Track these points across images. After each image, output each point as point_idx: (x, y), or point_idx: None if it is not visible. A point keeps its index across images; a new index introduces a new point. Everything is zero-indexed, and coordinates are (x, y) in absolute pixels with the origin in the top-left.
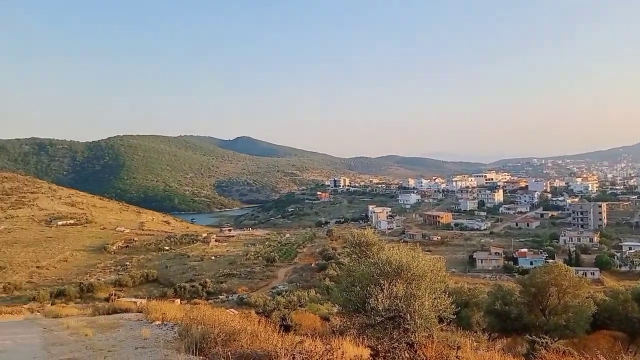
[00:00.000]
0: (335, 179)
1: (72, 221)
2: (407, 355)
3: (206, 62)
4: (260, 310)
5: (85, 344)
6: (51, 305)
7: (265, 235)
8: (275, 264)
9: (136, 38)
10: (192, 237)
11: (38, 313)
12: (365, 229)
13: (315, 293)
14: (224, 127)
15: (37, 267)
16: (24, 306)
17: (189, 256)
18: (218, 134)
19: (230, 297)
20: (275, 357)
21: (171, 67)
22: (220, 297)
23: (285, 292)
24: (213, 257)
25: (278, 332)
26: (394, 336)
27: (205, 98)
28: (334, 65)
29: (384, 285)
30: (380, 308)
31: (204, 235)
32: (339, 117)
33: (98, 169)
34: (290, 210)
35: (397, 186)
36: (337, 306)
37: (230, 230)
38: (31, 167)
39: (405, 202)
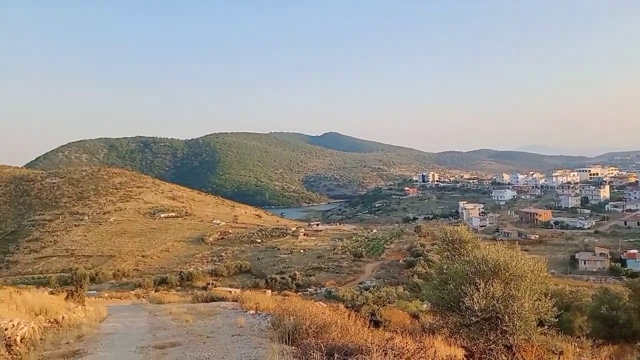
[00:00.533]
0: (424, 174)
1: (173, 214)
2: (504, 358)
3: (295, 61)
4: (349, 305)
5: (186, 329)
6: (155, 291)
7: (353, 230)
8: (362, 259)
9: (225, 40)
10: (282, 230)
11: (143, 299)
12: (459, 226)
13: (404, 290)
14: (312, 124)
15: (143, 256)
16: (131, 292)
17: (279, 249)
18: (306, 130)
19: (318, 290)
20: (366, 352)
21: (262, 67)
22: (308, 289)
23: (373, 287)
24: (302, 251)
25: (368, 327)
26: (491, 338)
27: (294, 96)
28: (422, 58)
29: (479, 284)
30: (476, 308)
31: (293, 229)
32: (428, 110)
33: (196, 165)
34: (377, 205)
35: (490, 181)
36: (427, 304)
37: (318, 224)
38: (137, 163)
39: (499, 198)
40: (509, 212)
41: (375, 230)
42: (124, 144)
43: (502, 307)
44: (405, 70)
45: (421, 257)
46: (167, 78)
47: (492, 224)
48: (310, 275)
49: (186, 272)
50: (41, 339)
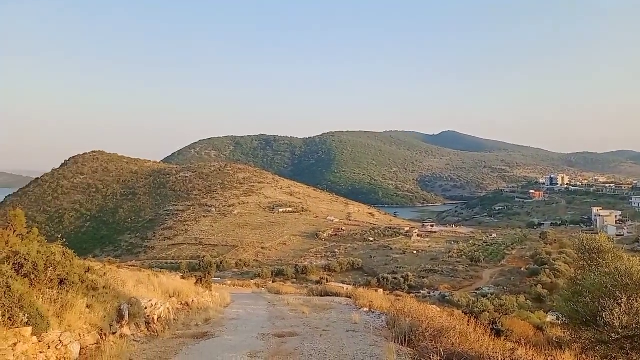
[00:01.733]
0: (552, 176)
1: (290, 209)
2: None
3: (410, 56)
4: (468, 311)
5: (303, 320)
6: (272, 282)
7: (470, 233)
8: (480, 264)
9: (342, 40)
10: (394, 230)
11: (262, 288)
12: (597, 234)
13: (525, 299)
14: (429, 122)
15: (262, 247)
16: (251, 281)
17: (391, 248)
18: (422, 129)
19: (431, 293)
20: None
21: (377, 65)
22: (421, 291)
23: (491, 294)
24: (415, 252)
25: (489, 336)
26: (633, 358)
27: (410, 94)
28: (553, 50)
29: (621, 299)
30: (617, 324)
31: (406, 229)
32: (555, 108)
33: (313, 162)
34: (497, 208)
35: (631, 186)
36: (553, 316)
37: (432, 225)
38: (259, 160)
39: None
40: None
41: (494, 235)
42: (248, 141)
43: None
44: (531, 66)
45: (546, 266)
46: (286, 78)
47: (630, 233)
48: (423, 277)
49: (301, 266)
50: (174, 319)
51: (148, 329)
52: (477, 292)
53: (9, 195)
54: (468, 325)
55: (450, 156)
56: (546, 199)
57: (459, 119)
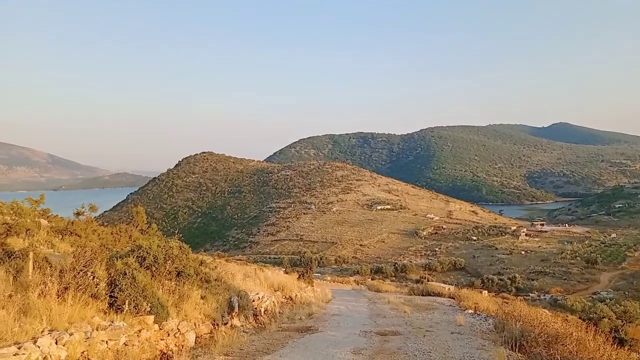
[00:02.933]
0: None
1: (388, 206)
2: None
3: (515, 45)
4: (585, 317)
5: (404, 319)
6: (371, 279)
7: (585, 233)
8: (596, 267)
9: (441, 34)
10: (500, 229)
11: (362, 285)
12: None
13: None
14: (537, 114)
15: (360, 245)
16: (350, 277)
17: (496, 248)
18: (530, 121)
19: (541, 297)
20: None
21: (476, 57)
22: (530, 294)
23: (610, 300)
24: (523, 252)
25: (610, 345)
26: None
27: (516, 85)
28: None
29: None
30: None
31: (513, 228)
32: None
33: (411, 159)
34: (617, 206)
35: None
36: None
37: (542, 224)
38: (357, 157)
39: None
40: None
41: (614, 235)
42: (345, 139)
43: None
44: None
45: None
46: (383, 76)
47: None
48: (532, 280)
49: (400, 264)
50: (279, 313)
51: (255, 321)
52: (594, 296)
53: (131, 194)
54: (586, 332)
55: (562, 150)
56: None
57: (572, 110)
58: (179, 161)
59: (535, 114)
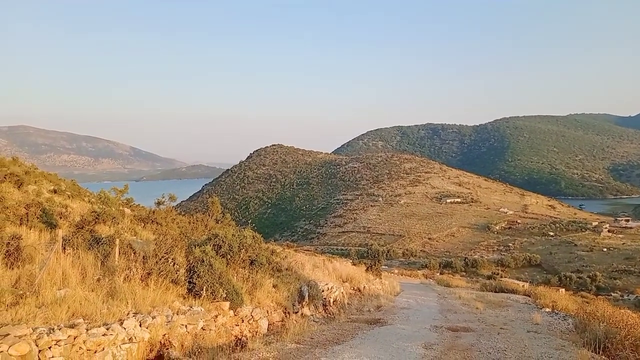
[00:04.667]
0: None
1: (459, 199)
2: None
3: (592, 29)
4: None
5: (476, 316)
6: (439, 274)
7: None
8: None
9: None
10: (580, 224)
11: (431, 280)
12: None
13: None
14: (623, 102)
15: (429, 238)
16: (418, 271)
17: (575, 244)
18: (615, 111)
19: (625, 297)
20: None
21: (554, 42)
22: (612, 294)
23: None
24: (605, 249)
25: None
26: None
27: (601, 72)
28: None
29: None
30: None
31: (595, 223)
32: None
33: (483, 150)
34: None
35: None
36: None
37: (627, 220)
38: (426, 149)
39: None
40: None
41: None
42: (414, 131)
43: None
44: None
45: None
46: (452, 65)
47: None
48: (614, 279)
49: (471, 259)
50: (348, 304)
51: (325, 311)
52: None
53: (206, 185)
54: None
55: None
56: None
57: None
58: (250, 153)
59: (621, 103)
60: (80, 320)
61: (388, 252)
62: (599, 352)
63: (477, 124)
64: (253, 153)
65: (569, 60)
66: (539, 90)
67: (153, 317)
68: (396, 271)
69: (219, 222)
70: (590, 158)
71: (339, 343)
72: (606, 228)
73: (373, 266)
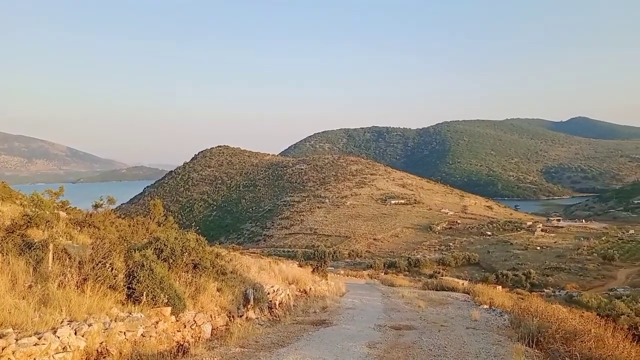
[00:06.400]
0: None
1: (402, 201)
2: None
3: (531, 39)
4: (603, 314)
5: (419, 314)
6: (384, 274)
7: (602, 229)
8: (613, 263)
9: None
10: (515, 224)
11: (375, 280)
12: None
13: None
14: (555, 108)
15: (374, 239)
16: (364, 272)
17: (511, 243)
18: (548, 116)
19: (557, 293)
20: None
21: (492, 52)
22: (545, 290)
23: (627, 297)
24: (538, 248)
25: (630, 342)
26: None
27: (535, 79)
28: None
29: None
30: None
31: (529, 223)
32: None
33: (426, 153)
34: (636, 202)
35: None
36: None
37: (558, 220)
38: (371, 152)
39: None
40: None
41: (632, 231)
42: (360, 133)
43: None
44: None
45: None
46: (398, 70)
47: None
48: (547, 275)
49: (414, 258)
50: (294, 305)
51: (270, 314)
52: (610, 293)
53: (148, 187)
54: (605, 329)
55: (581, 144)
56: None
57: (591, 104)
58: (195, 155)
59: (553, 108)
60: (9, 329)
61: (334, 253)
62: (532, 346)
63: (420, 128)
64: (198, 154)
65: (506, 68)
66: (479, 95)
67: (89, 325)
68: (342, 272)
69: (161, 225)
70: (525, 161)
71: (284, 345)
72: (539, 227)
73: (319, 267)
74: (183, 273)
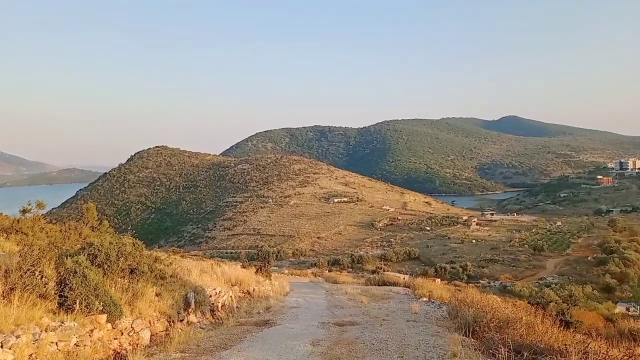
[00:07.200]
0: (622, 160)
1: (345, 199)
2: None
3: (467, 42)
4: (534, 302)
5: (362, 310)
6: (328, 271)
7: (532, 221)
8: (543, 254)
9: (394, 31)
10: (452, 219)
11: (319, 277)
12: None
13: (592, 290)
14: (488, 107)
15: (318, 237)
16: (308, 270)
17: (449, 238)
18: (481, 115)
19: (492, 283)
20: (561, 353)
21: (430, 53)
22: (481, 281)
23: (555, 285)
24: (474, 241)
25: (557, 327)
26: None
27: (468, 78)
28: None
29: None
30: None
31: (465, 218)
32: (625, 88)
33: (367, 152)
34: (562, 195)
35: None
36: (622, 306)
37: (492, 214)
38: (314, 151)
39: None
40: None
41: (559, 223)
42: (302, 133)
43: None
44: (598, 45)
45: (615, 255)
46: (340, 69)
47: None
48: (482, 267)
49: (357, 255)
50: (237, 307)
51: (213, 317)
52: (540, 282)
53: (81, 190)
54: (535, 316)
55: (511, 142)
56: (615, 185)
57: (521, 103)
58: (131, 156)
59: (486, 108)
60: None
61: (278, 252)
62: (468, 335)
63: (362, 127)
64: (134, 155)
65: (441, 68)
66: (416, 95)
67: (17, 337)
68: (286, 271)
69: (96, 230)
70: (460, 158)
71: (227, 348)
72: (475, 222)
73: (263, 268)
74: (119, 279)
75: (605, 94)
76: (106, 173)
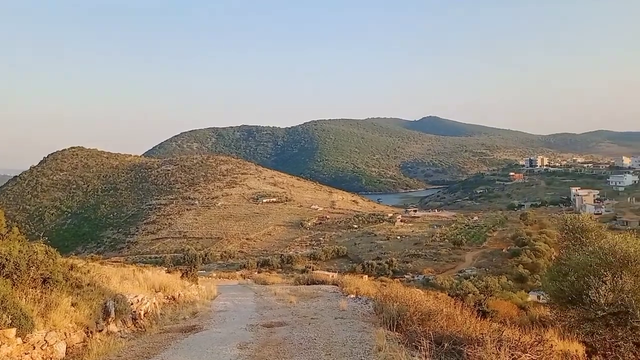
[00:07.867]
0: (531, 158)
1: (274, 199)
2: (633, 356)
3: (390, 45)
4: (453, 294)
5: (290, 310)
6: (258, 273)
7: (452, 217)
8: (462, 247)
9: (318, 29)
10: (378, 216)
11: (248, 279)
12: (577, 213)
13: (507, 280)
14: (410, 108)
15: (247, 238)
16: (237, 272)
17: (375, 235)
18: (404, 115)
19: (415, 278)
20: (478, 342)
21: (356, 54)
22: (405, 276)
23: (474, 276)
24: (398, 237)
25: (475, 317)
26: (619, 334)
27: (391, 79)
28: (527, 34)
29: (606, 276)
30: (603, 302)
31: (390, 215)
32: (536, 90)
33: (295, 152)
34: (478, 192)
35: (608, 166)
36: (533, 295)
37: (415, 211)
38: (241, 151)
39: (617, 183)
40: (628, 198)
41: (476, 218)
42: (230, 132)
43: (633, 302)
44: (509, 50)
45: (527, 247)
46: (267, 68)
47: (608, 211)
48: (407, 262)
49: (286, 255)
50: (161, 314)
51: (135, 325)
52: (460, 274)
53: None
54: (454, 308)
55: (432, 141)
56: (526, 181)
57: (440, 104)
58: (44, 157)
59: (407, 108)
60: None
61: (206, 255)
62: (393, 329)
63: (289, 127)
64: (47, 157)
65: (365, 68)
66: (342, 95)
67: None
68: (214, 274)
69: (4, 238)
70: (385, 157)
71: (149, 357)
72: (399, 218)
73: (189, 272)
74: (30, 289)
75: (517, 96)
76: (16, 176)
